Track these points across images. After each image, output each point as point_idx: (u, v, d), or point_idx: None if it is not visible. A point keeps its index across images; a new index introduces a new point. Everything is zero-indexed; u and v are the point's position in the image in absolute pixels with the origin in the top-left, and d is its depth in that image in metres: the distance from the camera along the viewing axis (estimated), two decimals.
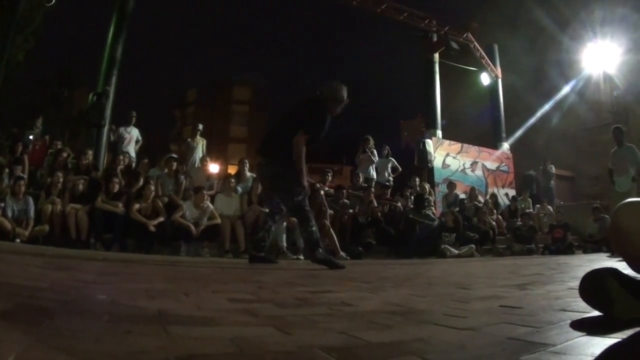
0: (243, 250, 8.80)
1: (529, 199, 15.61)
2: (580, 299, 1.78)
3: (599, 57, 21.17)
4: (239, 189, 10.06)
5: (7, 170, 9.62)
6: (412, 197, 12.33)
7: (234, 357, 1.19)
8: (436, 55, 18.20)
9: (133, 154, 11.96)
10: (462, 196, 14.47)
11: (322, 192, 9.92)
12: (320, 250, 5.60)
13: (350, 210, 10.58)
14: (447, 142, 17.47)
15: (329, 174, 12.15)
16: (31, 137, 12.04)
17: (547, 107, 22.00)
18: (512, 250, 12.06)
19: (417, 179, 13.98)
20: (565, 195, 19.03)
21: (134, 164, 11.38)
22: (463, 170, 17.29)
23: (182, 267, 5.45)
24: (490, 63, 19.78)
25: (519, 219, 13.52)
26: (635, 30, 19.38)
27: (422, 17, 18.12)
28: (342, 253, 8.71)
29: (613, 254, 8.82)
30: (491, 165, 18.24)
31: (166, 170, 10.25)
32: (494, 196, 15.75)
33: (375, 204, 11.14)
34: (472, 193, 14.60)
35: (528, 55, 22.08)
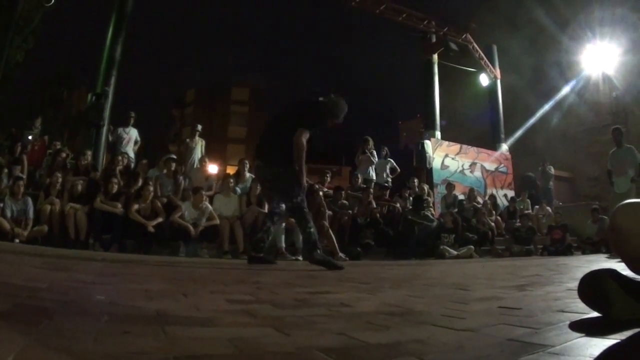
0: (242, 251, 8.79)
1: (528, 200, 15.61)
2: (579, 300, 1.79)
3: (598, 57, 21.17)
4: (238, 189, 10.06)
5: (6, 170, 9.61)
6: (411, 198, 12.32)
7: (233, 358, 1.19)
8: (435, 56, 18.19)
9: (132, 155, 11.94)
10: (461, 197, 14.49)
11: (320, 193, 9.92)
12: (319, 251, 5.61)
13: (349, 211, 10.58)
14: (446, 143, 17.46)
15: (328, 175, 12.16)
16: (30, 137, 12.01)
17: (546, 107, 22.01)
18: (511, 251, 12.06)
19: (416, 180, 13.97)
20: (564, 196, 19.03)
21: (132, 165, 11.37)
22: (462, 171, 17.28)
23: (180, 267, 5.45)
24: (489, 64, 19.78)
25: (518, 220, 13.51)
26: (634, 31, 19.39)
27: (421, 18, 18.10)
28: (340, 254, 8.70)
29: (611, 254, 8.83)
30: (490, 166, 18.23)
31: (165, 171, 10.24)
32: (492, 197, 15.74)
33: (374, 205, 11.15)
34: (471, 194, 14.61)
35: (527, 56, 22.09)
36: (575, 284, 1.86)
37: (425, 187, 14.01)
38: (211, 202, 9.47)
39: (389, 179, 13.85)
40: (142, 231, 8.56)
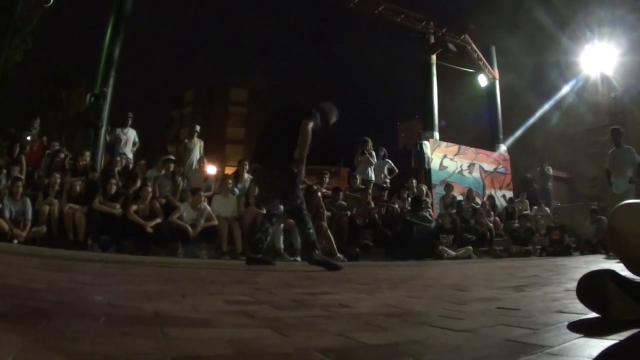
0: (240, 251, 8.77)
1: (526, 201, 15.61)
2: (577, 301, 1.79)
3: (597, 58, 21.17)
4: (237, 190, 10.06)
5: (4, 171, 9.63)
6: (410, 199, 12.32)
7: (231, 359, 1.19)
8: (433, 57, 18.19)
9: (130, 156, 11.93)
10: (460, 198, 14.49)
11: (319, 194, 9.92)
12: (317, 251, 5.62)
13: (348, 212, 10.58)
14: (444, 143, 17.46)
15: (327, 176, 12.17)
16: (29, 138, 12.01)
17: (545, 108, 22.02)
18: (509, 252, 12.04)
19: (415, 181, 13.97)
20: (563, 196, 19.02)
21: (131, 166, 11.36)
22: (460, 172, 17.28)
23: (179, 268, 5.45)
24: (487, 65, 19.78)
25: (517, 221, 13.50)
26: (633, 32, 19.39)
27: (419, 19, 18.11)
28: (339, 255, 8.71)
29: (610, 255, 8.83)
30: (488, 167, 18.23)
31: (163, 172, 10.24)
32: (491, 198, 15.71)
33: (373, 206, 11.15)
34: (469, 195, 14.59)
35: (526, 56, 22.08)
36: (573, 285, 1.86)
37: (424, 187, 14.00)
38: (210, 203, 9.47)
39: (387, 180, 13.85)
40: (141, 232, 8.55)
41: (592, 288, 1.73)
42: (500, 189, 18.14)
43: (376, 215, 10.87)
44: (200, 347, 1.28)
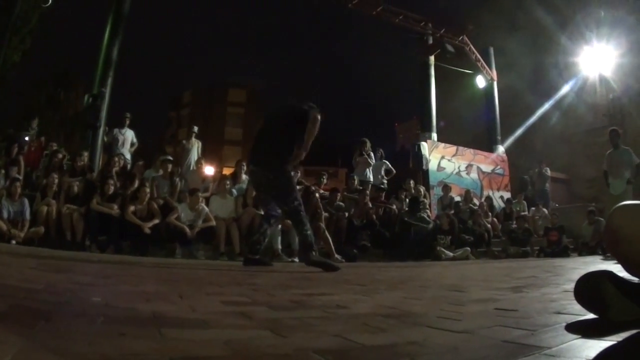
0: (238, 252, 8.77)
1: (524, 202, 15.63)
2: (575, 302, 1.79)
3: (596, 59, 21.16)
4: (234, 191, 10.06)
5: (2, 171, 9.61)
6: (407, 200, 12.33)
7: None
8: (432, 58, 18.22)
9: (128, 156, 11.93)
10: (457, 199, 14.49)
11: (317, 195, 9.92)
12: (315, 252, 5.63)
13: (345, 213, 10.58)
14: (442, 144, 17.46)
15: (324, 177, 12.18)
16: (27, 138, 12.00)
17: (543, 109, 22.00)
18: (507, 253, 12.05)
19: (412, 182, 13.99)
20: (561, 197, 19.03)
21: (129, 166, 11.35)
22: (458, 173, 17.27)
23: (176, 269, 5.45)
24: (485, 66, 19.79)
25: (514, 222, 13.53)
26: (632, 33, 19.39)
27: (417, 20, 18.12)
28: (337, 255, 8.71)
29: (608, 256, 8.84)
30: (486, 168, 18.22)
31: (161, 172, 10.23)
32: (489, 199, 15.72)
33: (370, 206, 11.15)
34: (467, 196, 14.60)
35: (524, 57, 22.07)
36: (571, 286, 1.86)
37: (422, 188, 14.01)
38: (207, 204, 9.47)
39: (385, 181, 13.85)
40: (139, 233, 8.55)
41: (590, 289, 1.73)
42: (498, 190, 18.14)
43: (374, 216, 10.87)
44: (198, 348, 1.28)
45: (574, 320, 1.76)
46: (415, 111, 27.12)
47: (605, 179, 11.25)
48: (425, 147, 16.54)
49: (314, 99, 6.05)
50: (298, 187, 6.31)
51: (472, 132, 21.40)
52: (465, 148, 18.07)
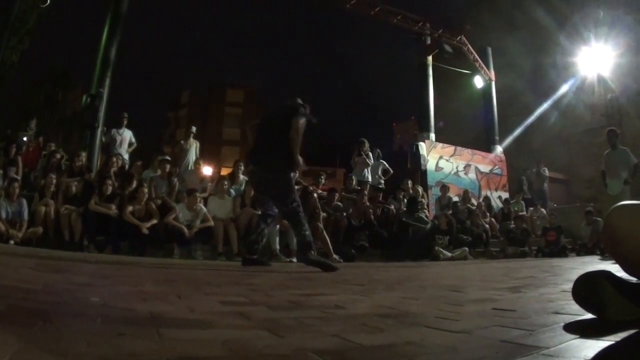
0: (236, 252, 8.77)
1: (522, 202, 15.64)
2: (573, 302, 1.79)
3: (594, 59, 21.16)
4: (232, 191, 10.06)
5: (0, 171, 9.60)
6: (405, 200, 12.33)
7: None
8: (429, 58, 18.20)
9: (126, 156, 11.92)
10: (455, 199, 14.48)
11: (315, 195, 9.92)
12: (313, 252, 5.63)
13: (344, 213, 10.58)
14: (440, 145, 17.45)
15: (323, 177, 12.18)
16: (25, 138, 12.00)
17: (541, 109, 22.01)
18: (505, 253, 12.05)
19: (410, 182, 13.98)
20: (559, 197, 19.04)
21: (127, 166, 11.34)
22: (456, 173, 17.26)
23: (175, 269, 5.45)
24: (483, 66, 19.78)
25: (512, 222, 13.53)
26: (630, 33, 19.41)
27: (415, 20, 18.11)
28: (335, 256, 8.71)
29: (605, 256, 8.85)
30: (484, 168, 18.21)
31: (159, 172, 10.22)
32: (487, 199, 15.71)
33: (368, 206, 11.14)
34: (465, 196, 14.61)
35: (522, 57, 22.09)
36: (569, 286, 1.86)
37: (420, 189, 13.99)
38: (205, 204, 9.47)
39: (382, 181, 13.85)
40: (137, 233, 8.54)
41: (588, 289, 1.73)
42: (496, 190, 18.14)
43: (372, 216, 10.86)
44: (196, 348, 1.28)
45: (572, 320, 1.76)
46: (413, 111, 27.16)
47: (603, 179, 11.26)
48: (423, 147, 16.53)
49: (308, 99, 6.07)
50: (296, 187, 6.30)
51: (470, 132, 21.39)
52: (464, 148, 18.06)
